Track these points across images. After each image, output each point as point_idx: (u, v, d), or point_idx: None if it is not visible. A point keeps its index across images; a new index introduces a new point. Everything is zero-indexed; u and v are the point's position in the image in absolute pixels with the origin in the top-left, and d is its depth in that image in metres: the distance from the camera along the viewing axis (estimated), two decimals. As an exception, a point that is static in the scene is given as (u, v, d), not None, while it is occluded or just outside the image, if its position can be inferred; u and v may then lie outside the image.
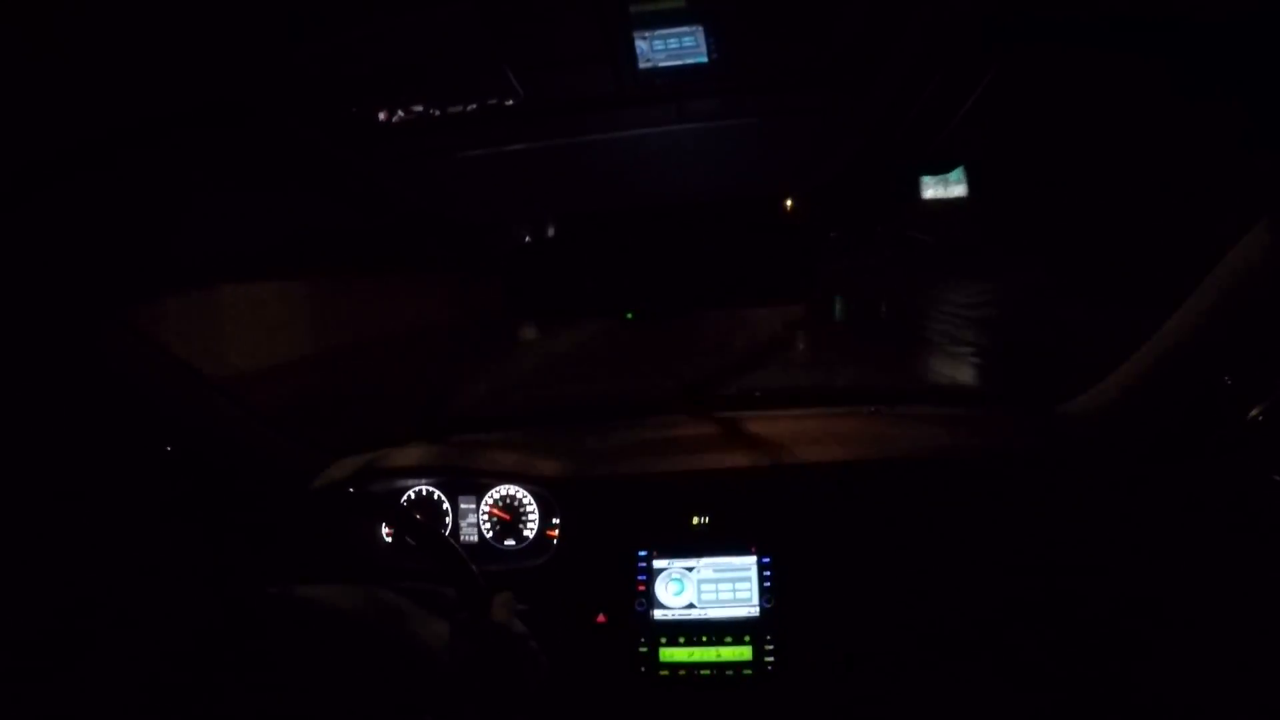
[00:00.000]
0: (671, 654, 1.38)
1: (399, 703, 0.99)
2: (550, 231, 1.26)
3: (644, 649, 1.38)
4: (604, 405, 1.85)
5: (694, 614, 1.40)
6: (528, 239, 1.26)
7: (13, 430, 1.03)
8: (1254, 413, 1.20)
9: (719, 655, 1.36)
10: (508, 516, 1.59)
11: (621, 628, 1.41)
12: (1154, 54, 0.70)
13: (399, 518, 1.56)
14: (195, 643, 0.97)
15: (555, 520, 1.56)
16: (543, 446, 1.65)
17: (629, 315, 1.29)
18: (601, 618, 1.43)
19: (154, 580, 1.08)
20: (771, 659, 1.35)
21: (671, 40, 0.78)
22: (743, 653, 1.36)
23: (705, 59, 0.79)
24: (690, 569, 1.43)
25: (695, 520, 1.49)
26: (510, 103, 0.84)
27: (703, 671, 1.36)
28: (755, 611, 1.39)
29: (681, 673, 1.36)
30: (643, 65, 0.80)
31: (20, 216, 0.80)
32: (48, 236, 0.87)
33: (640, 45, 0.78)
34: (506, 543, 1.59)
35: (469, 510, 1.61)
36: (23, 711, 0.89)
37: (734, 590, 1.41)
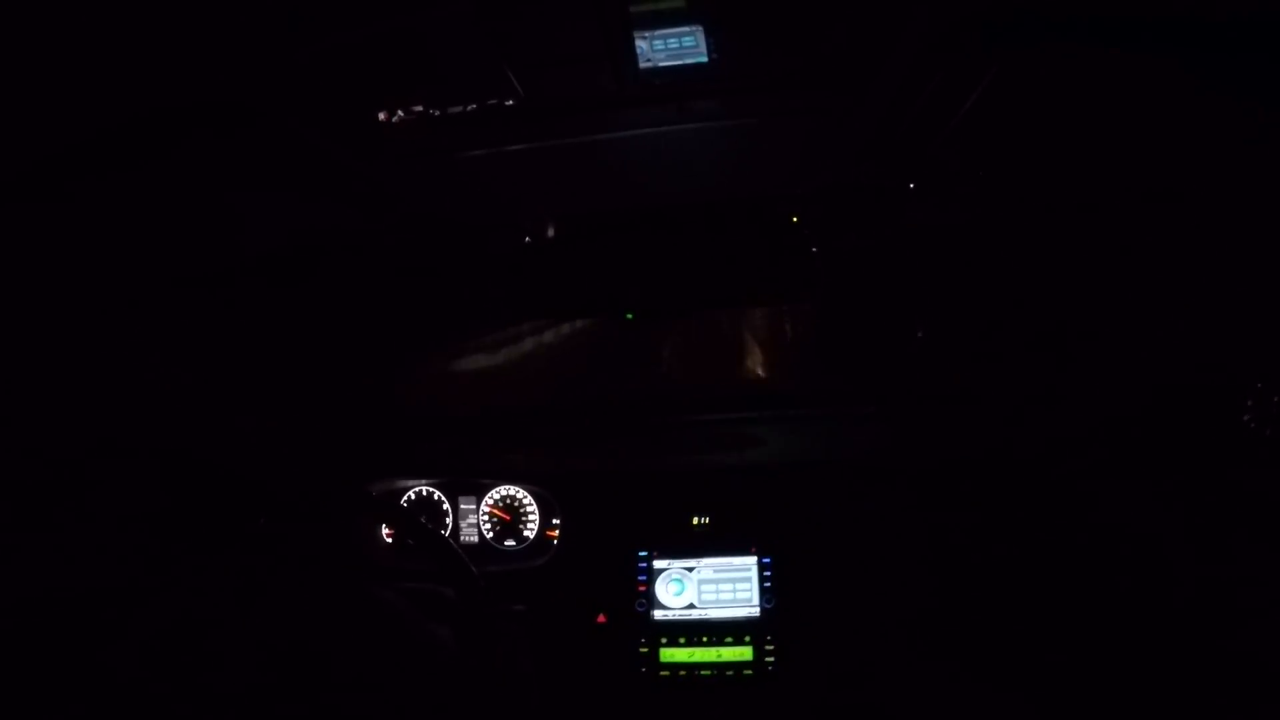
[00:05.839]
0: (672, 654, 1.37)
1: (405, 697, 1.00)
2: (550, 231, 1.25)
3: (644, 649, 1.38)
4: (603, 406, 1.84)
5: (694, 614, 1.40)
6: (527, 239, 1.26)
7: (14, 430, 1.03)
8: (1246, 418, 1.20)
9: (719, 655, 1.36)
10: (508, 517, 1.59)
11: (622, 628, 1.41)
12: (1164, 54, 0.69)
13: (399, 518, 1.55)
14: (201, 637, 0.97)
15: (555, 520, 1.56)
16: (543, 447, 1.65)
17: (629, 315, 1.29)
18: (602, 618, 1.43)
19: (157, 579, 1.08)
20: (772, 659, 1.35)
21: (671, 40, 0.78)
22: (743, 653, 1.36)
23: (705, 59, 0.79)
24: (690, 569, 1.43)
25: (695, 520, 1.49)
26: (510, 103, 0.84)
27: (703, 672, 1.36)
28: (756, 612, 1.39)
29: (682, 673, 1.36)
30: (643, 65, 0.79)
31: (22, 216, 0.80)
32: (48, 237, 0.87)
33: (640, 45, 0.78)
34: (506, 543, 1.59)
35: (469, 510, 1.61)
36: (48, 697, 0.90)
37: (734, 590, 1.41)
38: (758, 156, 1.01)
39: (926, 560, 1.41)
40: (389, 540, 1.61)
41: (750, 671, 1.35)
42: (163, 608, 1.01)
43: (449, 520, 1.61)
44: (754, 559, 1.42)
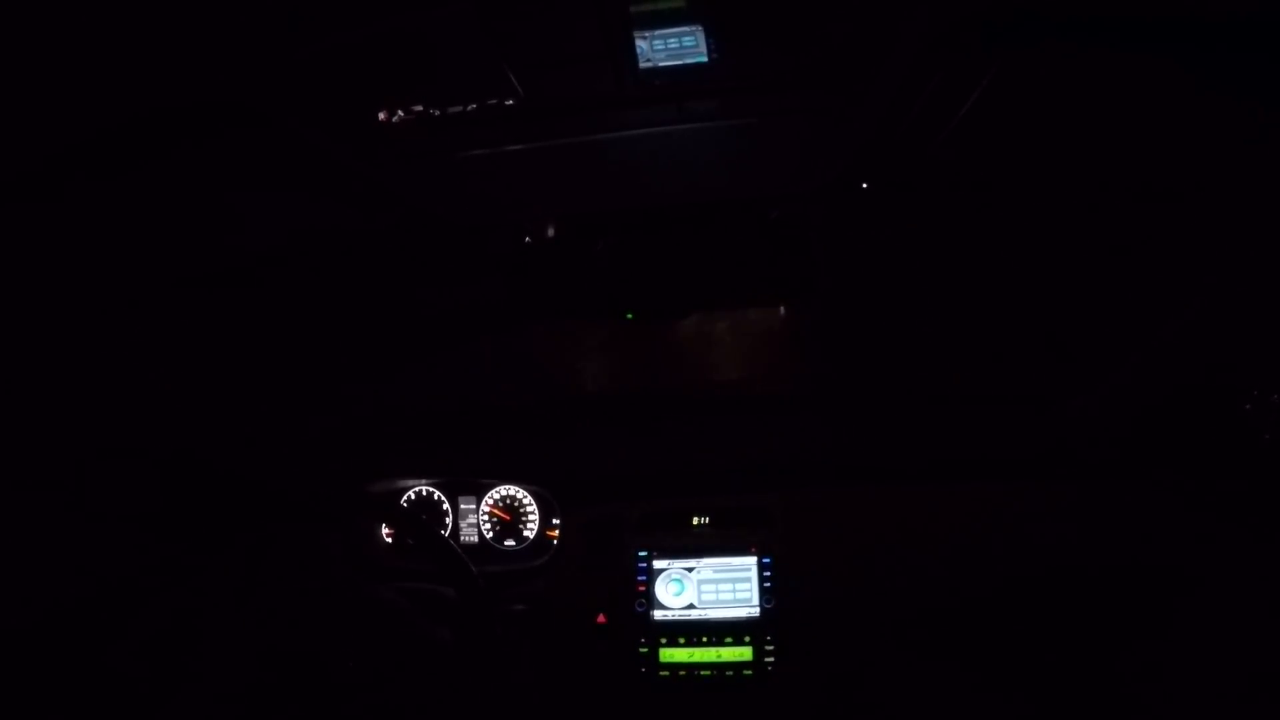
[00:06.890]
0: (672, 654, 1.37)
1: (405, 697, 1.00)
2: (550, 231, 1.26)
3: (644, 649, 1.38)
4: (604, 406, 1.85)
5: (694, 614, 1.40)
6: (527, 239, 1.26)
7: (15, 430, 1.03)
8: (1245, 420, 1.20)
9: (719, 656, 1.36)
10: (508, 517, 1.59)
11: (622, 628, 1.41)
12: (1164, 54, 0.69)
13: (399, 518, 1.55)
14: (201, 637, 0.97)
15: (555, 520, 1.56)
16: (543, 446, 1.66)
17: (629, 316, 1.29)
18: (602, 618, 1.43)
19: (157, 579, 1.08)
20: (772, 659, 1.35)
21: (671, 40, 0.78)
22: (743, 653, 1.36)
23: (705, 59, 0.79)
24: (690, 569, 1.43)
25: (695, 520, 1.49)
26: (510, 103, 0.84)
27: (703, 672, 1.36)
28: (755, 612, 1.39)
29: (682, 673, 1.36)
30: (643, 65, 0.79)
31: (22, 216, 0.80)
32: (48, 237, 0.87)
33: (640, 45, 0.78)
34: (506, 543, 1.59)
35: (469, 510, 1.61)
36: (48, 696, 0.90)
37: (734, 590, 1.41)
38: (758, 156, 1.01)
39: (926, 560, 1.41)
40: (389, 540, 1.61)
41: (750, 671, 1.35)
42: (163, 608, 1.02)
43: (449, 520, 1.61)
44: (754, 559, 1.42)
